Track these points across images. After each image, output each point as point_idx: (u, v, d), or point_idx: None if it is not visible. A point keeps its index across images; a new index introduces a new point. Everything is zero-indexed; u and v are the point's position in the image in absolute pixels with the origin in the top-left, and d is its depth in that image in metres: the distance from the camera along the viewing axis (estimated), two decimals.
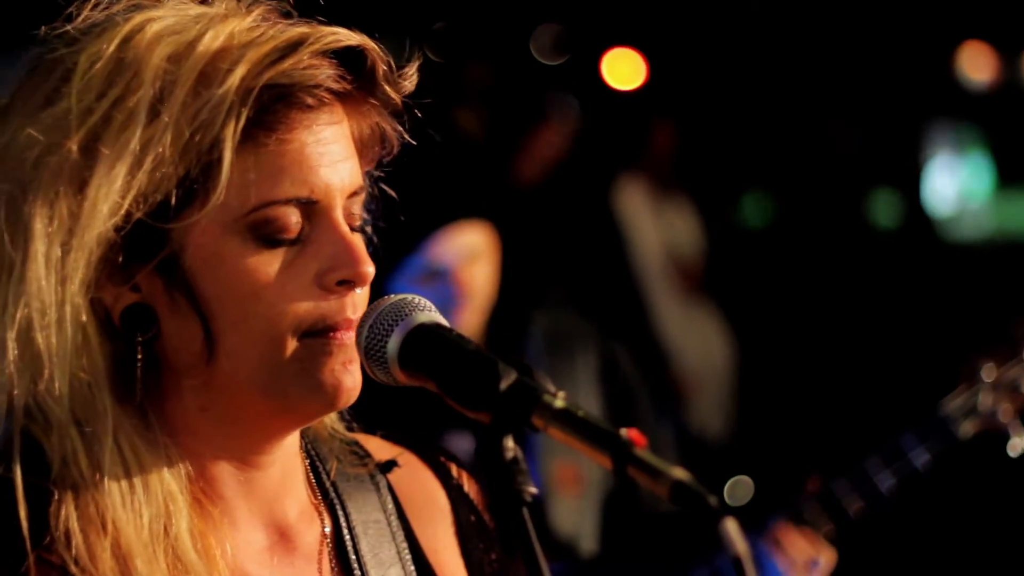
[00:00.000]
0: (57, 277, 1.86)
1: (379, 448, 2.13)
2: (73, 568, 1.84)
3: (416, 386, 1.91)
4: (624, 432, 1.74)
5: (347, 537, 2.03)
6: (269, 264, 1.89)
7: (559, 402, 1.78)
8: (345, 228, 1.92)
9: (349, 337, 1.91)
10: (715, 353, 8.23)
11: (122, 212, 1.85)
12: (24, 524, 1.83)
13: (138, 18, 1.90)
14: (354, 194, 1.95)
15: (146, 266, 1.89)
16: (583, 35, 8.77)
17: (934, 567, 7.83)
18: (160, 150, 1.85)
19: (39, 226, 1.85)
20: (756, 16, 9.91)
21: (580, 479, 3.97)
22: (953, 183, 11.53)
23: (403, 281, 3.73)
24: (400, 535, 2.07)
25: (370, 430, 2.13)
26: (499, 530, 2.08)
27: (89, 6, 1.94)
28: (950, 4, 10.22)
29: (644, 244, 8.04)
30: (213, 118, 1.85)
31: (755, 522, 3.74)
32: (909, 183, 11.19)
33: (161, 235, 1.88)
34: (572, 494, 3.97)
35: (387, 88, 1.96)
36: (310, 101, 1.90)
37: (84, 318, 1.87)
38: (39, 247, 1.85)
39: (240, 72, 1.85)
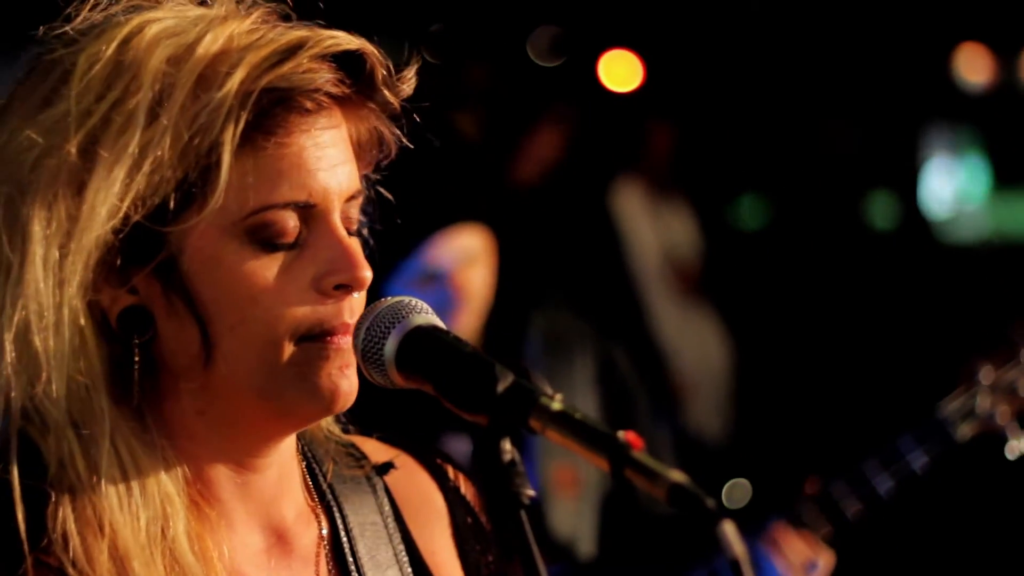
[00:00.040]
0: (55, 279, 1.86)
1: (375, 450, 2.13)
2: (71, 570, 1.84)
3: (413, 388, 1.91)
4: (621, 434, 1.74)
5: (344, 539, 2.03)
6: (267, 268, 1.89)
7: (556, 404, 1.78)
8: (343, 232, 1.92)
9: (346, 341, 1.91)
10: (712, 355, 8.23)
11: (120, 215, 1.85)
12: (22, 526, 1.83)
13: (137, 20, 1.90)
14: (352, 198, 1.95)
15: (144, 269, 1.89)
16: (580, 37, 8.76)
17: (932, 569, 7.83)
18: (159, 153, 1.85)
19: (37, 228, 1.85)
20: (753, 18, 9.91)
21: (578, 481, 3.97)
22: (950, 185, 11.53)
23: (400, 284, 3.73)
24: (397, 537, 2.07)
25: (366, 432, 2.13)
26: (497, 533, 2.07)
27: (88, 7, 1.94)
28: (947, 6, 10.22)
29: (641, 246, 8.04)
30: (212, 121, 1.85)
31: (753, 524, 3.73)
32: (906, 185, 11.19)
33: (159, 238, 1.88)
34: (570, 496, 3.97)
35: (386, 92, 1.96)
36: (309, 105, 1.90)
37: (82, 321, 1.87)
38: (37, 249, 1.85)
39: (239, 75, 1.85)
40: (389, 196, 2.07)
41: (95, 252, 1.86)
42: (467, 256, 3.83)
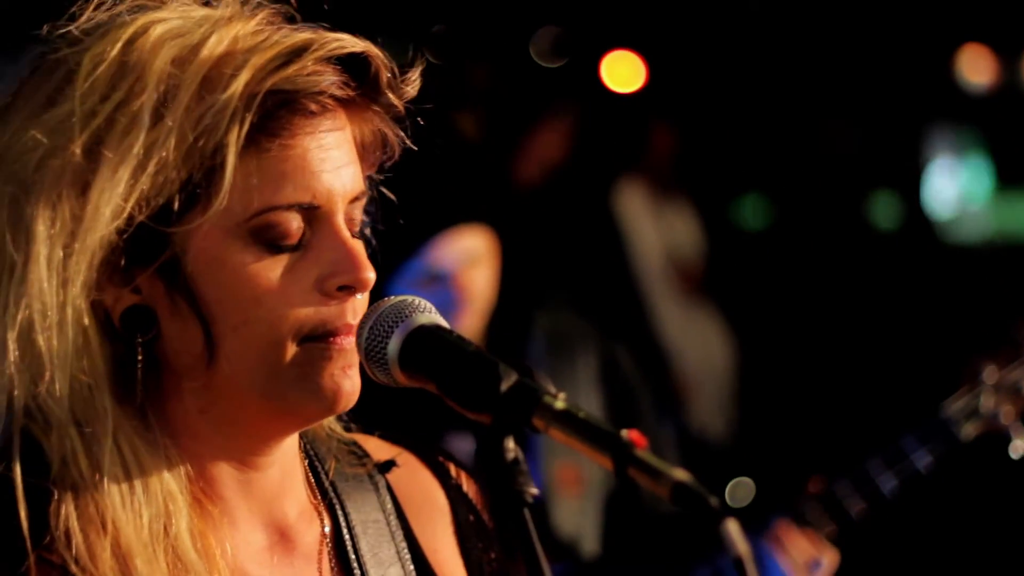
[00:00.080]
0: (59, 279, 1.86)
1: (377, 448, 2.13)
2: (73, 568, 1.84)
3: (416, 387, 1.91)
4: (625, 433, 1.74)
5: (347, 537, 2.04)
6: (270, 269, 1.89)
7: (560, 403, 1.79)
8: (346, 234, 1.93)
9: (349, 342, 1.91)
10: (715, 354, 8.23)
11: (124, 215, 1.86)
12: (24, 524, 1.83)
13: (142, 20, 1.91)
14: (355, 199, 1.95)
15: (147, 269, 1.89)
16: (582, 38, 8.76)
17: (936, 568, 7.82)
18: (163, 154, 1.85)
19: (41, 228, 1.86)
20: (755, 18, 9.91)
21: (581, 480, 3.97)
22: (953, 185, 11.53)
23: (403, 285, 3.73)
24: (399, 535, 2.07)
25: (368, 430, 2.13)
26: (500, 531, 2.08)
27: (92, 6, 1.94)
28: (950, 6, 10.22)
29: (644, 246, 8.04)
30: (217, 123, 1.85)
31: (756, 523, 3.73)
32: (909, 185, 11.18)
33: (163, 238, 1.88)
34: (573, 495, 3.97)
35: (390, 95, 1.96)
36: (313, 107, 1.90)
37: (85, 320, 1.87)
38: (41, 249, 1.85)
39: (244, 77, 1.86)
40: (392, 197, 2.07)
41: (99, 252, 1.86)
42: (470, 257, 3.83)
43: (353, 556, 2.03)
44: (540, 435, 1.80)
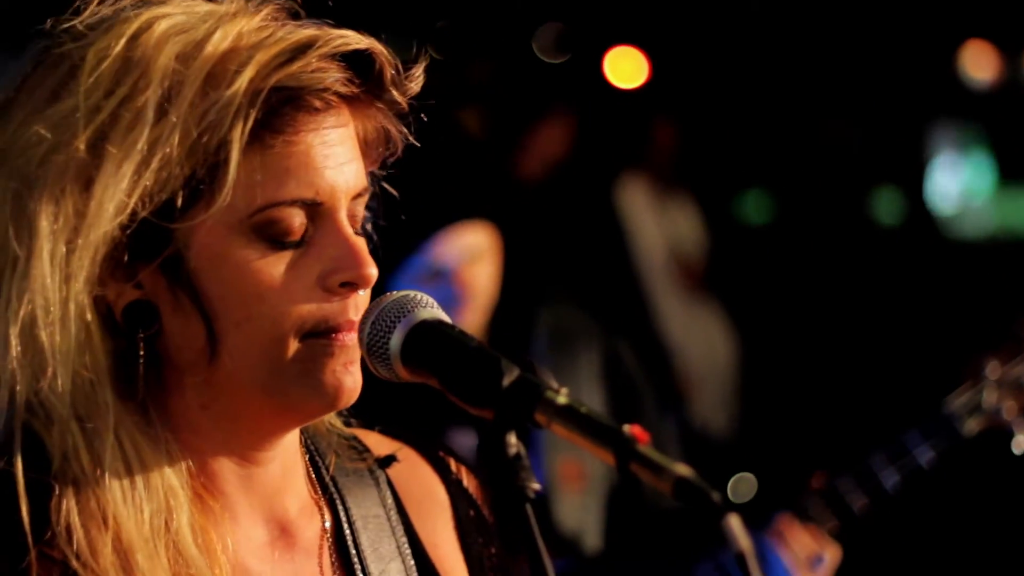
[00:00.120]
0: (61, 275, 1.86)
1: (378, 443, 2.13)
2: (74, 563, 1.84)
3: (419, 382, 1.91)
4: (627, 428, 1.74)
5: (347, 532, 2.04)
6: (273, 265, 1.89)
7: (562, 398, 1.79)
8: (349, 230, 1.93)
9: (351, 338, 1.91)
10: (718, 350, 8.23)
11: (128, 211, 1.86)
12: (26, 519, 1.83)
13: (146, 15, 1.91)
14: (358, 196, 1.95)
15: (150, 264, 1.89)
16: (585, 34, 8.76)
17: (938, 564, 7.82)
18: (167, 150, 1.85)
19: (44, 223, 1.86)
20: (758, 14, 9.90)
21: (584, 475, 3.97)
22: (955, 181, 11.53)
23: (405, 281, 3.73)
24: (400, 530, 2.07)
25: (368, 425, 2.13)
26: (503, 527, 2.08)
27: (96, 1, 1.94)
28: (952, 3, 10.21)
29: (646, 241, 8.04)
30: (221, 119, 1.85)
31: (758, 519, 3.73)
32: (912, 181, 11.18)
33: (166, 234, 1.88)
34: (576, 490, 3.97)
35: (394, 91, 1.96)
36: (317, 104, 1.90)
37: (88, 316, 1.87)
38: (44, 244, 1.85)
39: (248, 74, 1.86)
40: (394, 193, 2.07)
41: (102, 248, 1.86)
42: (472, 253, 3.83)
43: (354, 551, 2.03)
44: (542, 430, 1.80)
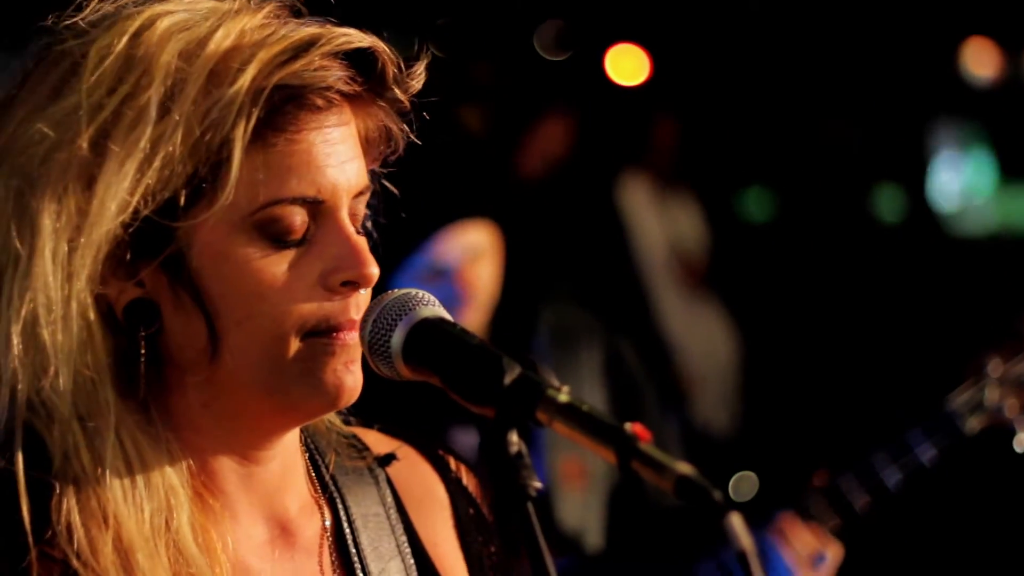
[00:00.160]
0: (63, 273, 1.86)
1: (377, 441, 2.13)
2: (75, 562, 1.84)
3: (420, 381, 1.91)
4: (628, 427, 1.74)
5: (347, 531, 2.04)
6: (275, 264, 1.89)
7: (563, 397, 1.78)
8: (350, 229, 1.93)
9: (352, 337, 1.91)
10: (719, 348, 8.23)
11: (130, 209, 1.85)
12: (26, 518, 1.83)
13: (148, 12, 1.90)
14: (360, 194, 1.95)
15: (152, 263, 1.89)
16: (586, 31, 8.76)
17: (941, 562, 7.82)
18: (170, 148, 1.85)
19: (47, 222, 1.85)
20: (760, 11, 9.90)
21: (585, 474, 3.97)
22: (957, 178, 11.53)
23: (406, 280, 3.73)
24: (399, 528, 2.07)
25: (367, 423, 2.13)
26: (504, 525, 2.08)
27: None
28: (954, 1, 10.21)
29: (648, 239, 8.04)
30: (224, 117, 1.85)
31: (760, 517, 3.73)
32: (913, 178, 11.18)
33: (168, 232, 1.88)
34: (577, 489, 3.97)
35: (396, 90, 1.96)
36: (320, 102, 1.90)
37: (91, 315, 1.87)
38: (46, 243, 1.85)
39: (251, 72, 1.86)
40: (395, 191, 2.07)
41: (104, 246, 1.86)
42: (473, 252, 3.83)
43: (354, 550, 2.03)
44: (544, 429, 1.80)
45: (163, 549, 1.87)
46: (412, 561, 2.06)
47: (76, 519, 1.85)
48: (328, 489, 2.06)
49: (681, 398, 7.79)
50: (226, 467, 1.96)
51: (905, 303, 9.55)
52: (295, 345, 1.90)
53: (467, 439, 3.64)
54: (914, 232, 10.82)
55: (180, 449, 1.92)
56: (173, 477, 1.90)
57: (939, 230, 11.15)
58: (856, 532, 3.79)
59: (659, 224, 8.17)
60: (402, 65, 1.97)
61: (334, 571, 2.02)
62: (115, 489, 1.87)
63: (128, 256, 1.88)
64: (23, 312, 1.85)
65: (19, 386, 1.86)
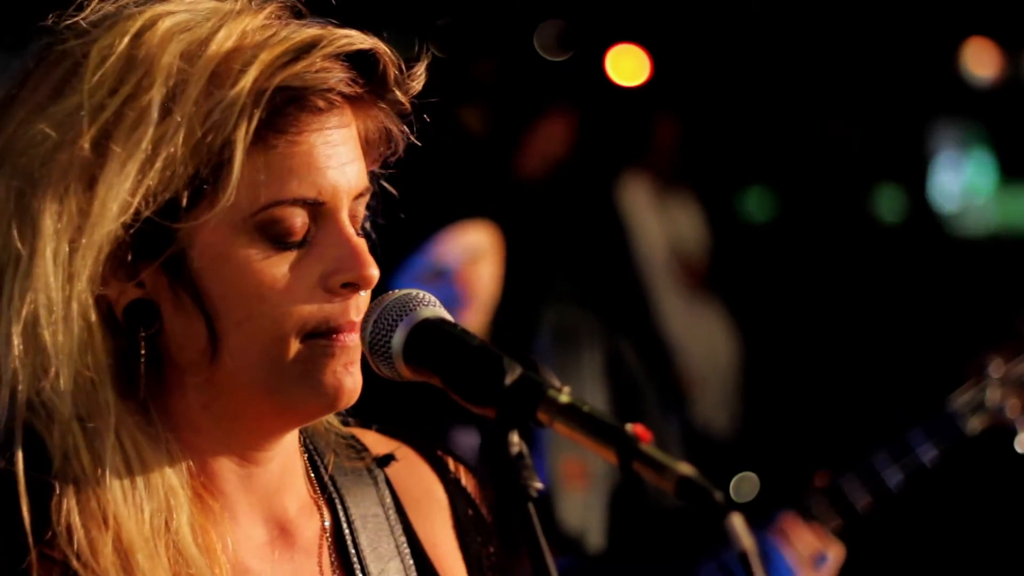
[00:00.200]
0: (64, 274, 1.86)
1: (376, 442, 2.13)
2: (75, 563, 1.84)
3: (421, 381, 1.91)
4: (629, 427, 1.74)
5: (346, 531, 2.04)
6: (275, 265, 1.89)
7: (564, 397, 1.78)
8: (351, 231, 1.93)
9: (352, 339, 1.91)
10: (720, 348, 8.23)
11: (131, 210, 1.85)
12: (27, 519, 1.83)
13: (149, 13, 1.90)
14: (360, 196, 1.96)
15: (153, 263, 1.89)
16: (587, 31, 8.75)
17: (942, 563, 7.82)
18: (172, 149, 1.85)
19: (48, 222, 1.85)
20: (760, 11, 9.90)
21: (586, 474, 3.97)
22: (957, 179, 11.52)
23: (407, 281, 3.73)
24: (399, 529, 2.07)
25: (366, 424, 2.13)
26: (505, 526, 2.08)
27: None
28: (954, 1, 10.21)
29: (648, 240, 8.04)
30: (225, 119, 1.85)
31: (761, 518, 3.73)
32: (914, 179, 11.18)
33: (169, 233, 1.88)
34: (578, 489, 3.96)
35: (397, 92, 1.96)
36: (321, 104, 1.90)
37: (92, 315, 1.87)
38: (47, 243, 1.85)
39: (253, 73, 1.86)
40: (394, 192, 2.07)
41: (105, 247, 1.86)
42: (473, 252, 3.83)
43: (353, 550, 2.03)
44: (545, 429, 1.80)
45: (163, 550, 1.87)
46: (411, 562, 2.06)
47: (76, 520, 1.85)
48: (327, 490, 2.06)
49: (682, 398, 7.78)
50: (225, 468, 1.96)
51: (906, 303, 9.55)
52: (295, 346, 1.90)
53: (468, 440, 3.64)
54: (914, 232, 10.82)
55: (180, 450, 1.92)
56: (173, 478, 1.90)
57: (940, 230, 11.14)
58: (857, 532, 3.79)
59: (659, 224, 8.16)
60: (403, 67, 1.97)
61: (333, 572, 2.02)
62: (115, 490, 1.87)
63: (129, 257, 1.88)
64: (24, 313, 1.85)
65: (19, 386, 1.86)
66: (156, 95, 1.85)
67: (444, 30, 7.43)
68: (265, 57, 1.87)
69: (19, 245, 1.86)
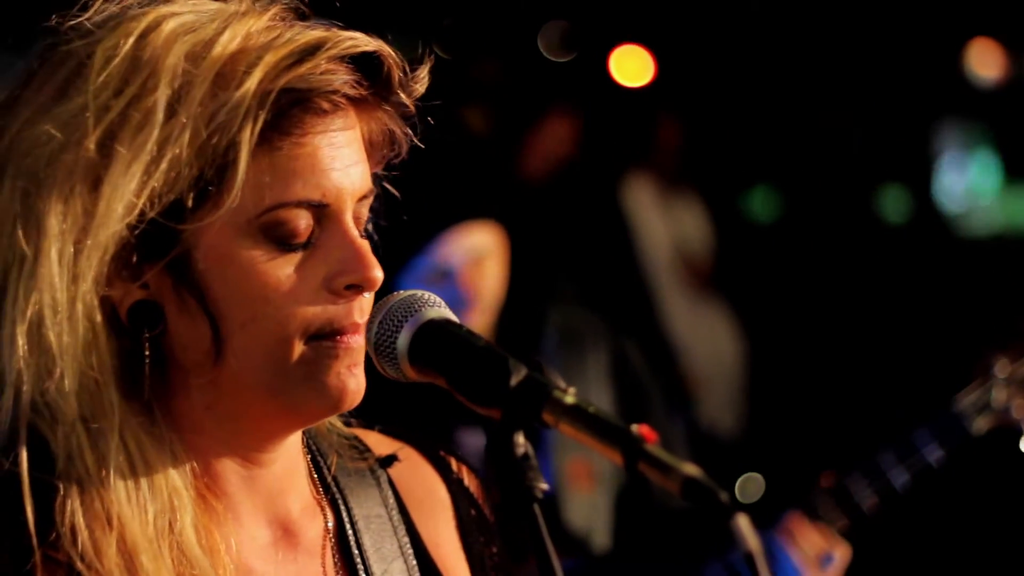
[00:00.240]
0: (69, 275, 1.86)
1: (378, 443, 2.13)
2: (79, 565, 1.84)
3: (426, 382, 1.91)
4: (635, 428, 1.74)
5: (349, 532, 2.04)
6: (279, 267, 1.89)
7: (570, 398, 1.78)
8: (355, 232, 1.93)
9: (355, 341, 1.91)
10: (725, 349, 8.22)
11: (136, 211, 1.85)
12: (31, 520, 1.83)
13: (154, 14, 1.90)
14: (364, 197, 1.96)
15: (157, 265, 1.89)
16: (591, 32, 8.75)
17: (948, 563, 7.81)
18: (177, 151, 1.85)
19: (53, 223, 1.85)
20: (764, 12, 9.89)
21: (592, 475, 3.97)
22: (962, 179, 11.51)
23: (411, 282, 3.73)
24: (402, 529, 2.07)
25: (368, 425, 2.13)
26: (511, 527, 2.08)
27: None
28: (958, 1, 10.21)
29: (653, 240, 8.04)
30: (230, 120, 1.85)
31: (767, 519, 3.73)
32: (918, 179, 11.17)
33: (174, 235, 1.88)
34: (584, 490, 3.96)
35: (401, 94, 1.96)
36: (325, 106, 1.90)
37: (97, 316, 1.87)
38: (52, 244, 1.85)
39: (258, 75, 1.86)
40: (397, 194, 2.07)
41: (110, 248, 1.86)
42: (477, 253, 3.83)
43: (356, 551, 2.03)
44: (550, 430, 1.80)
45: (167, 551, 1.87)
46: (414, 562, 2.06)
47: (80, 521, 1.85)
48: (330, 490, 2.06)
49: (687, 399, 7.78)
50: (229, 469, 1.96)
51: (911, 304, 9.54)
52: (299, 348, 1.90)
53: (473, 441, 3.64)
54: (919, 233, 10.81)
55: (183, 451, 1.92)
56: (176, 479, 1.90)
57: (944, 231, 11.13)
58: (864, 532, 3.79)
59: (664, 225, 8.16)
60: (407, 69, 1.96)
61: (337, 572, 2.02)
62: (119, 491, 1.86)
63: (134, 258, 1.88)
64: (28, 313, 1.85)
65: (24, 387, 1.86)
66: (161, 96, 1.85)
67: (448, 31, 7.43)
68: (270, 59, 1.87)
69: (24, 245, 1.86)
